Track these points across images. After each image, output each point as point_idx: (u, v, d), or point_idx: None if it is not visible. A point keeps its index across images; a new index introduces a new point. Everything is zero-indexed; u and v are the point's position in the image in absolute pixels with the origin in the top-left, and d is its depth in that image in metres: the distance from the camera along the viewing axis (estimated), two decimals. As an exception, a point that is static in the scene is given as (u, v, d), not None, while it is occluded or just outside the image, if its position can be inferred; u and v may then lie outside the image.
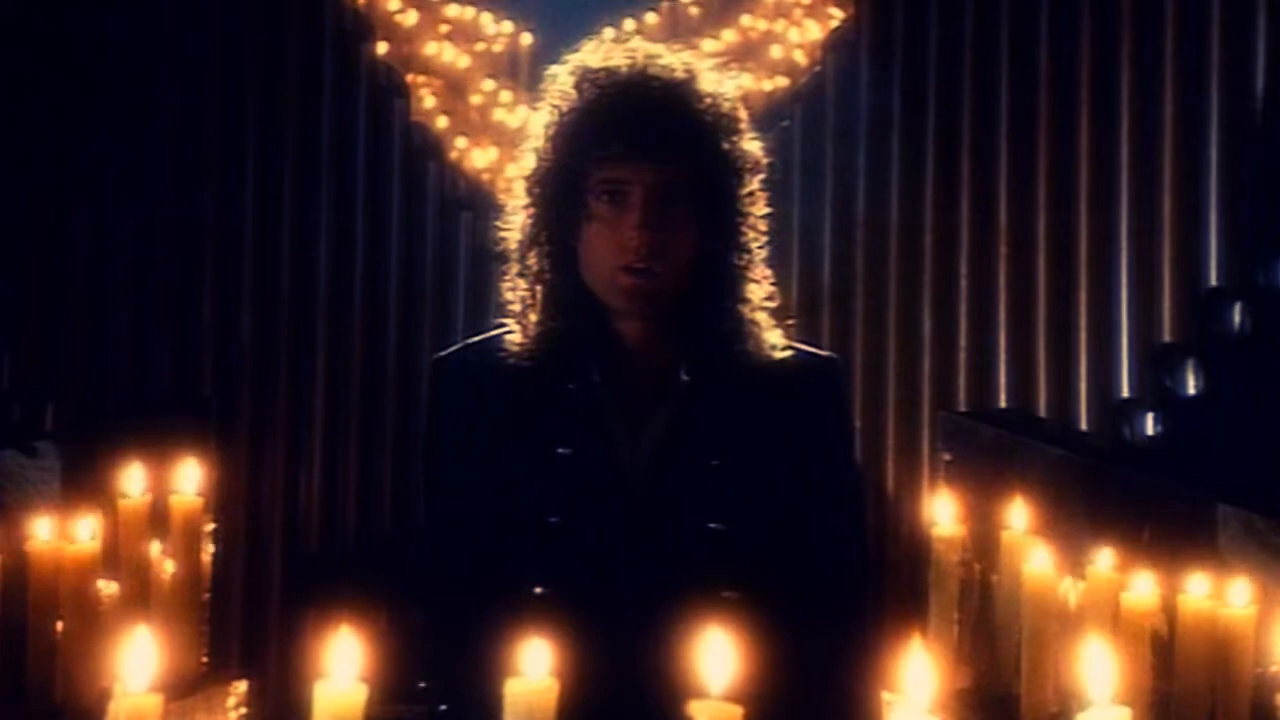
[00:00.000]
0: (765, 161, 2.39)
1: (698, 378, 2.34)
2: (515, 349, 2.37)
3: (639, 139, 2.28)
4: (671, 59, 2.36)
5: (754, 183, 2.38)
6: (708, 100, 2.34)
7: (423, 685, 2.39)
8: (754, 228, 2.38)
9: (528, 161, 2.38)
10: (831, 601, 2.39)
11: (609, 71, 2.34)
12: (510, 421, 2.36)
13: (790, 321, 2.45)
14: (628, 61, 2.35)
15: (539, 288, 2.37)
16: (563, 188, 2.32)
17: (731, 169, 2.35)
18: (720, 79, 2.38)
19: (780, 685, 2.08)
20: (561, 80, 2.37)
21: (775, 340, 2.39)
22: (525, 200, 2.38)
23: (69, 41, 5.05)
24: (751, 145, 2.38)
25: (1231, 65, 5.00)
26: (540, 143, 2.36)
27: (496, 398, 2.38)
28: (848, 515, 2.45)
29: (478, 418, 2.39)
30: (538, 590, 2.28)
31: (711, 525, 2.30)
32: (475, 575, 2.36)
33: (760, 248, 2.39)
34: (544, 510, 2.31)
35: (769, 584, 2.29)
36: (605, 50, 2.38)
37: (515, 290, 2.39)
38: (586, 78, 2.34)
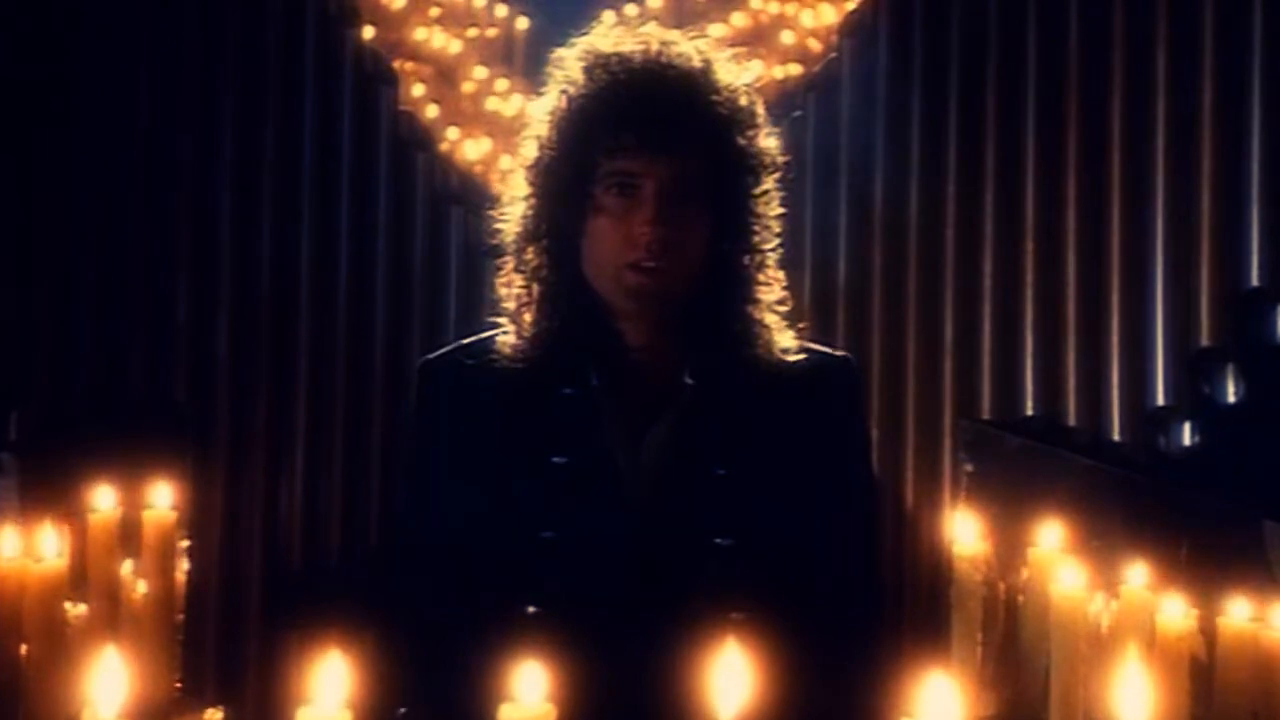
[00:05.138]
0: (781, 159, 2.40)
1: (702, 382, 2.34)
2: (509, 351, 2.37)
3: (653, 130, 2.29)
4: (687, 46, 2.37)
5: (769, 180, 2.38)
6: (725, 91, 2.35)
7: (403, 712, 2.39)
8: (767, 227, 2.39)
9: (529, 150, 2.38)
10: (844, 622, 2.39)
11: (622, 57, 2.34)
12: (503, 428, 2.36)
13: (802, 324, 2.45)
14: (641, 47, 2.35)
15: (536, 285, 2.37)
16: (568, 179, 2.33)
17: (747, 165, 2.36)
18: (737, 69, 2.39)
19: (791, 711, 2.08)
20: (570, 64, 2.37)
21: (786, 342, 2.39)
22: (525, 191, 2.37)
23: (36, 25, 5.05)
24: (768, 141, 2.39)
25: (1274, 53, 5.00)
26: (544, 130, 2.36)
27: (488, 403, 2.38)
28: (861, 526, 2.45)
29: (468, 424, 2.39)
30: (530, 610, 2.28)
31: (718, 540, 2.30)
32: (462, 594, 2.35)
33: (773, 248, 2.39)
34: (538, 524, 2.31)
35: (779, 604, 2.29)
36: (617, 34, 2.38)
37: (510, 287, 2.39)
38: (598, 62, 2.34)
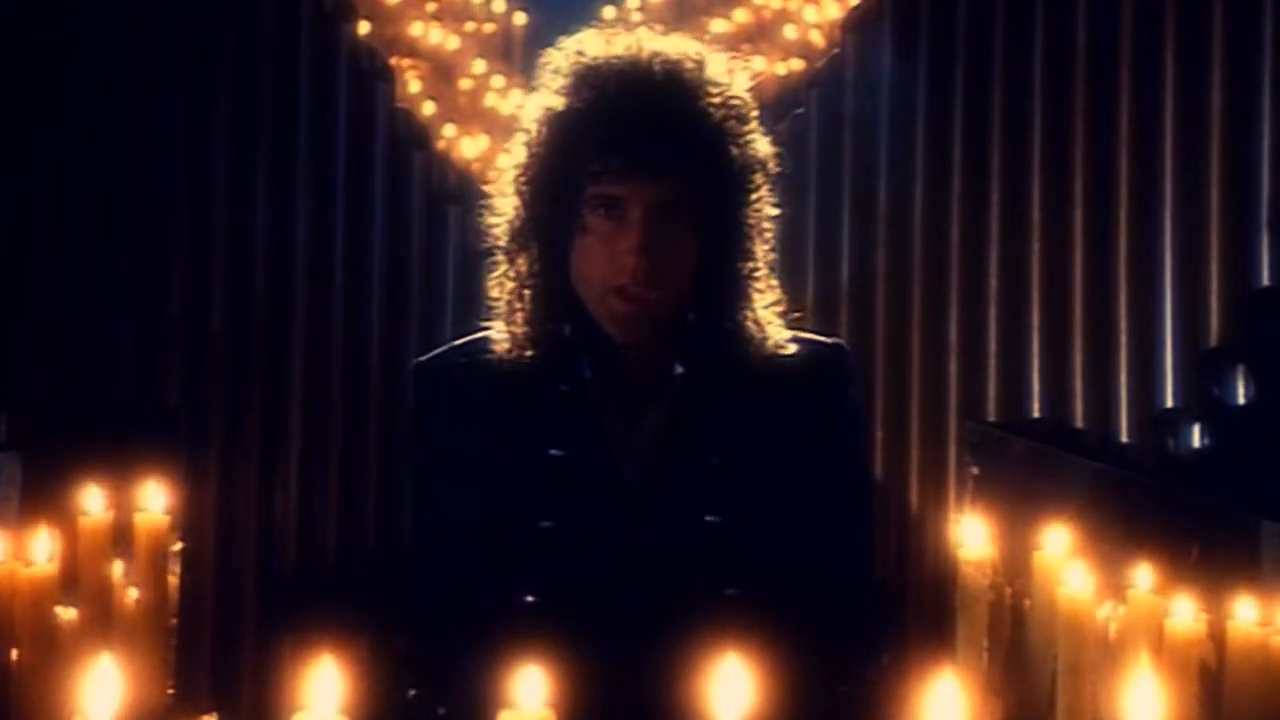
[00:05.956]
0: (775, 163, 2.39)
1: (694, 371, 2.36)
2: (502, 350, 2.38)
3: (640, 155, 2.27)
4: (677, 54, 2.35)
5: (763, 187, 2.37)
6: (717, 103, 2.33)
7: (413, 693, 2.41)
8: (761, 234, 2.38)
9: (518, 153, 2.38)
10: (837, 604, 2.40)
11: (609, 71, 2.32)
12: (499, 425, 2.38)
13: (798, 315, 2.45)
14: (629, 58, 2.33)
15: (528, 291, 2.38)
16: (555, 195, 2.32)
17: (740, 176, 2.34)
18: (730, 73, 2.37)
19: (784, 696, 2.09)
20: (557, 71, 2.36)
21: (778, 334, 2.40)
22: (515, 199, 2.38)
23: (31, 23, 5.04)
24: (762, 145, 2.37)
25: (1284, 47, 5.00)
26: (532, 136, 2.36)
27: (484, 401, 2.39)
28: (853, 509, 2.46)
29: (465, 423, 2.41)
30: (529, 599, 2.30)
31: (710, 519, 2.31)
32: (470, 590, 2.37)
33: (768, 252, 2.39)
34: (536, 515, 2.32)
35: (773, 580, 2.31)
36: (605, 40, 2.36)
37: (502, 287, 2.40)
38: (584, 75, 2.33)
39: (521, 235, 2.36)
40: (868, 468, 2.61)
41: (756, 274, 2.38)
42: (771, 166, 2.37)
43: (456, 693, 2.33)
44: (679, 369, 2.36)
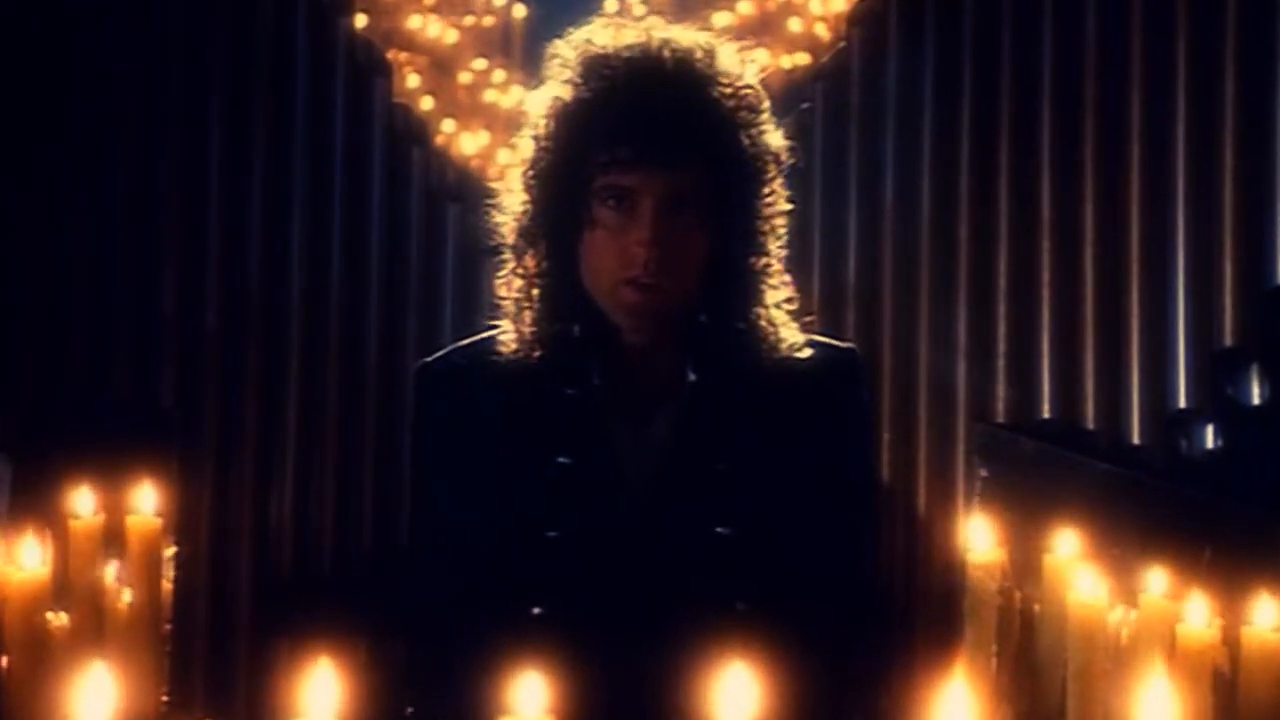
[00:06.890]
0: (787, 155, 2.39)
1: (704, 377, 2.36)
2: (509, 352, 2.38)
3: (650, 144, 2.28)
4: (688, 43, 2.35)
5: (774, 180, 2.38)
6: (728, 93, 2.34)
7: (410, 712, 2.42)
8: (773, 228, 2.39)
9: (525, 149, 2.38)
10: (838, 615, 2.41)
11: (618, 60, 2.33)
12: (505, 430, 2.38)
13: (810, 319, 2.46)
14: (639, 47, 2.34)
15: (536, 289, 2.38)
16: (564, 188, 2.33)
17: (751, 168, 2.35)
18: (741, 64, 2.38)
19: (790, 705, 2.10)
20: (565, 62, 2.36)
21: (791, 337, 2.40)
22: (522, 195, 2.38)
23: (20, 17, 5.04)
24: (773, 137, 2.38)
25: (1299, 41, 5.00)
26: (540, 131, 2.36)
27: (489, 405, 2.40)
28: (856, 518, 2.46)
29: (469, 427, 2.41)
30: (535, 611, 2.31)
31: (719, 530, 2.32)
32: (471, 599, 2.38)
33: (779, 248, 2.39)
34: (543, 524, 2.33)
35: (781, 593, 2.32)
36: (614, 31, 2.37)
37: (509, 286, 2.40)
38: (593, 65, 2.33)
39: (530, 231, 2.37)
40: (875, 473, 2.61)
41: (769, 269, 2.39)
42: (784, 158, 2.38)
43: (455, 700, 2.33)
44: (691, 376, 2.36)
